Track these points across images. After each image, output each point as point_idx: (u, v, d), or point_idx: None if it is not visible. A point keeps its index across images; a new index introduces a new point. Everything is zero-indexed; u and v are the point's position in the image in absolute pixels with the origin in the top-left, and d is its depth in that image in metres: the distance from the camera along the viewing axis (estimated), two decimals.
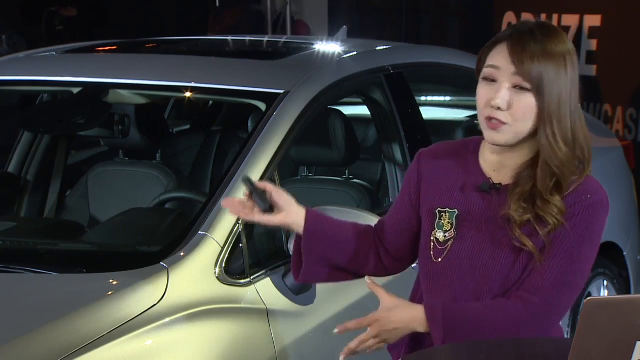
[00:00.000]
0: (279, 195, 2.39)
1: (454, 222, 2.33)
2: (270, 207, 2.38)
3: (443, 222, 2.34)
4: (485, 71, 2.26)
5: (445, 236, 2.33)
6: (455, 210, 2.34)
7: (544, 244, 2.25)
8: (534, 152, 2.28)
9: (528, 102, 2.22)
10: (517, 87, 2.22)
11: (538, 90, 2.21)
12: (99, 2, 9.03)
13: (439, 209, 2.35)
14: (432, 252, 2.34)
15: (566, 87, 2.23)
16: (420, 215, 2.41)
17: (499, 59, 2.24)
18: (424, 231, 2.38)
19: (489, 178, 2.33)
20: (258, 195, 2.37)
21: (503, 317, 2.26)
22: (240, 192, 2.88)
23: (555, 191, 2.25)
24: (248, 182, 2.37)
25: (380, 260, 2.48)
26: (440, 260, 2.33)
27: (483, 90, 2.26)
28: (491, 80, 2.25)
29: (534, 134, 2.26)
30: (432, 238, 2.35)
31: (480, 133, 2.31)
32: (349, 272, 2.50)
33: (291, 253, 2.53)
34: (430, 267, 2.35)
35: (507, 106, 2.22)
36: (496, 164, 2.33)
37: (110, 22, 8.83)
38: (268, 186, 2.39)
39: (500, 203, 2.30)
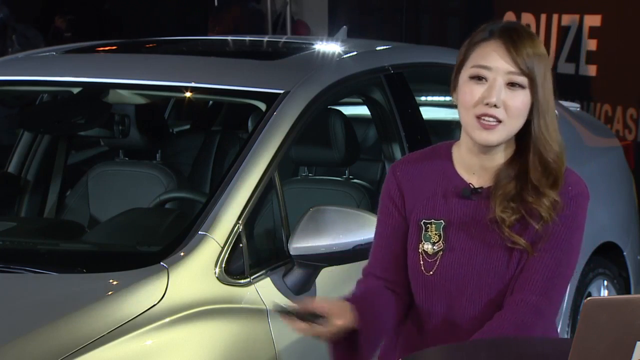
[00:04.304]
0: (326, 305, 2.21)
1: (442, 233, 2.30)
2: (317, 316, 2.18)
3: (430, 233, 2.31)
4: (473, 71, 2.24)
5: (434, 248, 2.30)
6: (442, 221, 2.31)
7: (534, 239, 2.26)
8: (511, 153, 2.29)
9: (522, 99, 2.22)
10: (510, 85, 2.22)
11: (532, 85, 2.22)
12: (108, 10, 9.06)
13: (424, 220, 2.32)
14: (422, 267, 2.31)
15: (550, 85, 2.27)
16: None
17: (489, 58, 2.22)
18: (410, 244, 2.34)
19: (469, 183, 2.31)
20: (305, 316, 2.18)
21: (512, 329, 2.22)
22: (239, 197, 2.89)
23: (548, 185, 2.25)
24: (284, 312, 2.19)
25: (400, 299, 2.36)
26: (432, 273, 2.30)
27: (472, 90, 2.23)
28: (480, 78, 2.23)
29: (517, 133, 2.27)
30: (419, 251, 2.31)
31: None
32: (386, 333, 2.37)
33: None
34: (422, 280, 2.32)
35: (502, 104, 2.21)
36: (475, 167, 2.32)
37: (110, 22, 8.86)
38: (308, 305, 2.21)
39: (483, 206, 2.29)
